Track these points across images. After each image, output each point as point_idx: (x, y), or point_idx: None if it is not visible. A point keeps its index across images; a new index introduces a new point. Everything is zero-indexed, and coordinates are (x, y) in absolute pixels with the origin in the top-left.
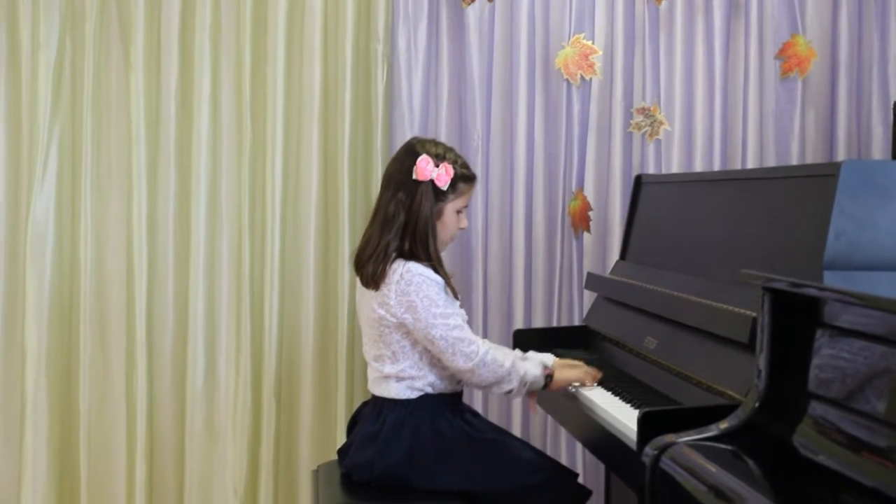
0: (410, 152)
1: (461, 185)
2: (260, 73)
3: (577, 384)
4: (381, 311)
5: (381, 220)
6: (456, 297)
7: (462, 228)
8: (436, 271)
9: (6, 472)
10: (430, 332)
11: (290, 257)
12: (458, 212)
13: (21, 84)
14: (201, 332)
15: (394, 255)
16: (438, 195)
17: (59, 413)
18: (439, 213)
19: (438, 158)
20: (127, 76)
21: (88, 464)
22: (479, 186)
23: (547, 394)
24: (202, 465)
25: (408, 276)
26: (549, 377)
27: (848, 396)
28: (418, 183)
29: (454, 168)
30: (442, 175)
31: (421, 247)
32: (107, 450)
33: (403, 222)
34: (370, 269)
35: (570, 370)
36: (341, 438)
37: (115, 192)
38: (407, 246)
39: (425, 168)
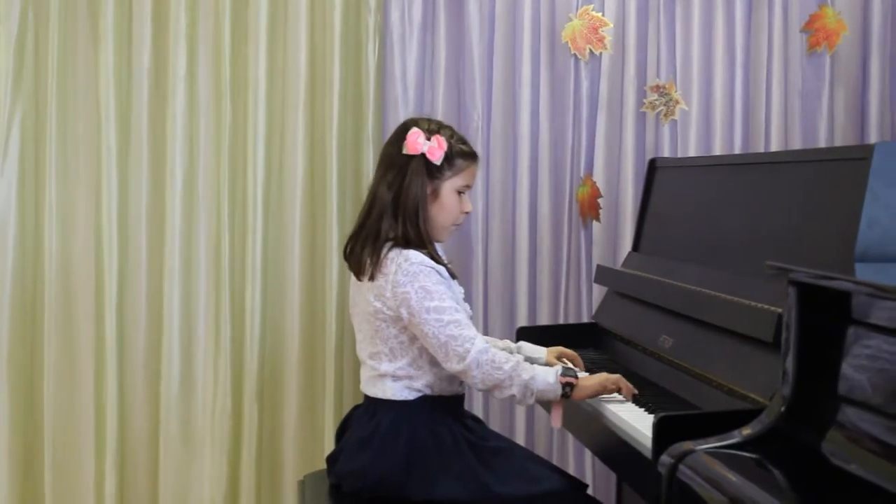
0: (401, 128)
1: (459, 161)
2: (241, 49)
3: (615, 395)
4: (378, 304)
5: (369, 203)
6: (454, 276)
7: (467, 212)
8: (434, 258)
9: None
10: (422, 329)
11: (273, 250)
12: (460, 193)
13: None
14: (177, 331)
15: (390, 243)
16: (431, 172)
17: (21, 419)
18: (435, 193)
19: (430, 132)
20: (95, 52)
21: (53, 475)
22: (479, 172)
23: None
24: (178, 477)
25: (405, 265)
26: (569, 385)
27: (883, 400)
28: (409, 158)
29: (448, 141)
30: (434, 148)
31: (411, 228)
32: (73, 460)
33: (393, 203)
34: (363, 257)
35: (592, 379)
36: (329, 446)
37: (82, 179)
38: (401, 231)
39: (415, 141)
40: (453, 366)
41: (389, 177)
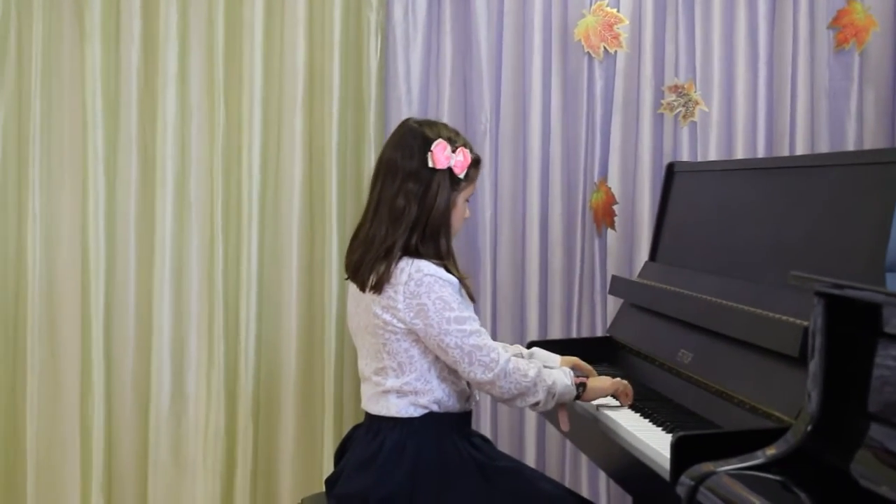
0: (419, 136)
1: (472, 171)
2: (235, 46)
3: (612, 399)
4: (387, 316)
5: (385, 215)
6: (472, 298)
7: (466, 218)
8: (447, 270)
9: None
10: (443, 340)
11: (269, 259)
12: (466, 200)
13: None
14: (167, 345)
15: (399, 253)
16: (454, 184)
17: (2, 439)
18: (454, 205)
19: (453, 143)
20: (81, 48)
21: (36, 499)
22: (487, 178)
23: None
24: (168, 500)
25: (417, 276)
26: (581, 386)
27: None
28: (434, 171)
29: (469, 152)
30: (460, 161)
31: (431, 243)
32: (57, 482)
33: (416, 217)
34: (374, 272)
35: (605, 380)
36: (328, 467)
37: (67, 183)
38: (414, 243)
39: (442, 154)
40: (478, 376)
41: (411, 188)
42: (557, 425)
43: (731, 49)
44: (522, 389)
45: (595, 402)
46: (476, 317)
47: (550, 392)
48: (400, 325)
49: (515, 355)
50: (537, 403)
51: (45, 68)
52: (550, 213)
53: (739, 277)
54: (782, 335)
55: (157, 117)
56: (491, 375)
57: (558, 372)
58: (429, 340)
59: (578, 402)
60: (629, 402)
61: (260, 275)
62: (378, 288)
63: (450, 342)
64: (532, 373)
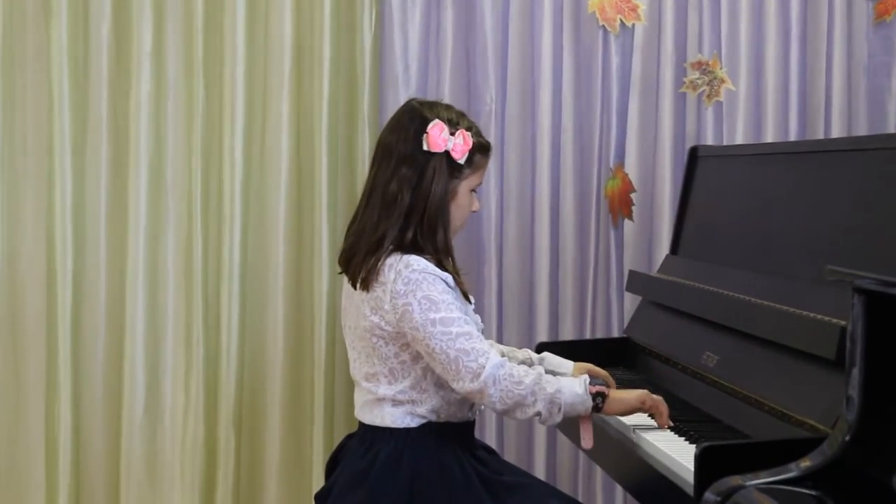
0: (416, 117)
1: (478, 158)
2: (216, 19)
3: (650, 419)
4: (375, 318)
5: (378, 202)
6: (468, 299)
7: (474, 211)
8: (442, 266)
9: None
10: (428, 345)
11: (253, 252)
12: (472, 191)
13: None
14: (141, 345)
15: (390, 247)
16: (453, 170)
17: None
18: (454, 194)
19: (453, 125)
20: (46, 23)
21: None
22: (492, 164)
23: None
24: None
25: (406, 272)
26: (599, 396)
27: None
28: (430, 155)
29: (472, 136)
30: (459, 145)
31: (428, 236)
32: (21, 497)
33: (409, 205)
34: (362, 264)
35: (629, 392)
36: (318, 481)
37: (31, 171)
38: (409, 236)
39: (439, 136)
40: (466, 385)
41: (405, 173)
42: (579, 441)
43: (760, 21)
44: (517, 398)
45: (629, 423)
46: (467, 318)
47: (554, 402)
48: (388, 327)
49: (523, 361)
50: (539, 415)
51: (7, 44)
52: (562, 202)
53: (770, 272)
54: (817, 335)
55: (130, 97)
56: (477, 384)
57: (569, 380)
58: (417, 345)
59: (609, 421)
60: (665, 423)
61: (243, 269)
62: (366, 285)
63: (435, 346)
64: (528, 380)
